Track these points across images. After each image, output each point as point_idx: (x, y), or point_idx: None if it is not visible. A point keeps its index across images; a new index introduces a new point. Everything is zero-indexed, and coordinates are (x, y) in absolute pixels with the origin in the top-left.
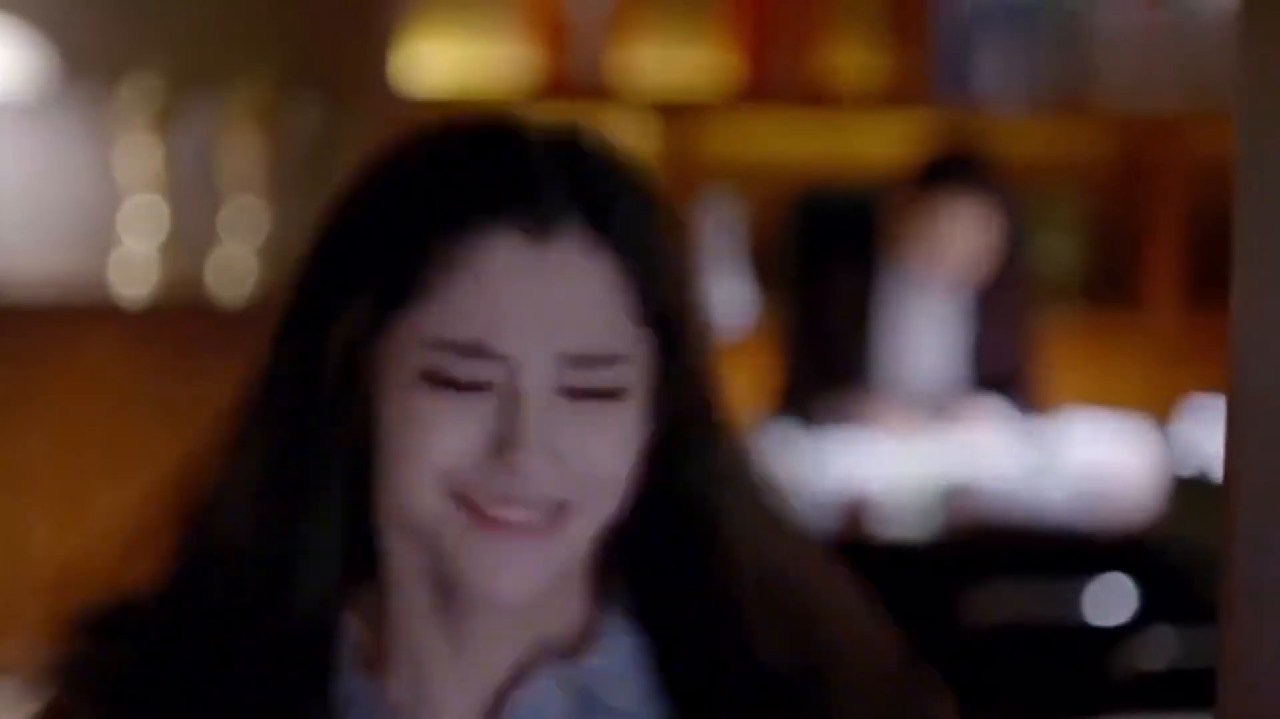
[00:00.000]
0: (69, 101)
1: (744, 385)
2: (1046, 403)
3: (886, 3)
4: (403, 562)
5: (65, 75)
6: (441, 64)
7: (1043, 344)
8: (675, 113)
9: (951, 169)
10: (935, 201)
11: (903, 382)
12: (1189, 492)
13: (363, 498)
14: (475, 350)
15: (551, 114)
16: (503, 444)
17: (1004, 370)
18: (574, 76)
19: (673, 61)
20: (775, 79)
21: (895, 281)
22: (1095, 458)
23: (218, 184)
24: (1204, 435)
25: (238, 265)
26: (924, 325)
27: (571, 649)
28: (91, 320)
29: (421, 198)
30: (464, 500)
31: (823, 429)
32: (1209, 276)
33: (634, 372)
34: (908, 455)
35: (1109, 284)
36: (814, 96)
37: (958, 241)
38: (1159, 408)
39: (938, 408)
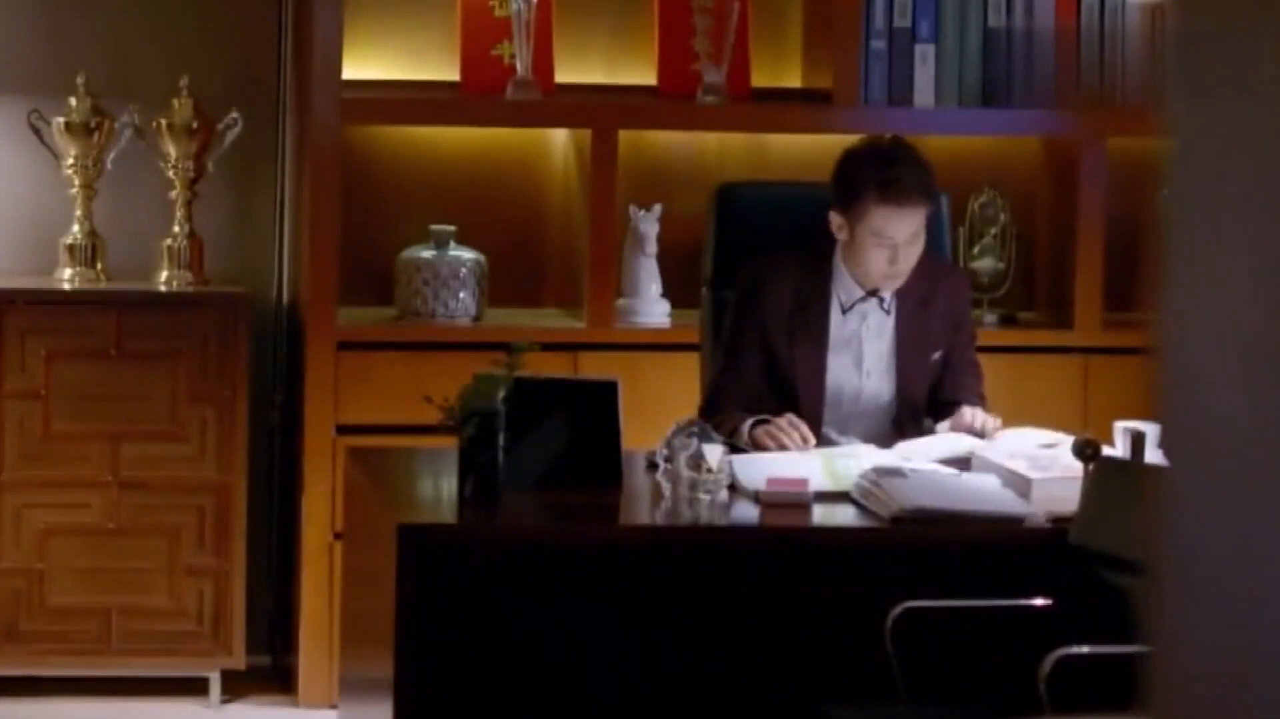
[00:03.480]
0: (10, 104)
1: (661, 389)
2: (986, 414)
3: (812, 10)
4: None
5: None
6: (370, 68)
7: (976, 353)
8: (600, 119)
9: (891, 175)
10: (874, 208)
11: (831, 395)
12: (1109, 506)
13: None
14: None
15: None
16: None
17: (943, 382)
18: (500, 84)
19: (598, 68)
20: (700, 85)
21: (825, 290)
22: (1017, 471)
23: (148, 185)
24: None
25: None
26: (856, 336)
27: None
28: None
29: None
30: None
31: (742, 446)
32: (1128, 289)
33: None
34: (826, 464)
35: (1035, 297)
36: (739, 104)
37: (897, 249)
38: (1082, 425)
39: (872, 423)
